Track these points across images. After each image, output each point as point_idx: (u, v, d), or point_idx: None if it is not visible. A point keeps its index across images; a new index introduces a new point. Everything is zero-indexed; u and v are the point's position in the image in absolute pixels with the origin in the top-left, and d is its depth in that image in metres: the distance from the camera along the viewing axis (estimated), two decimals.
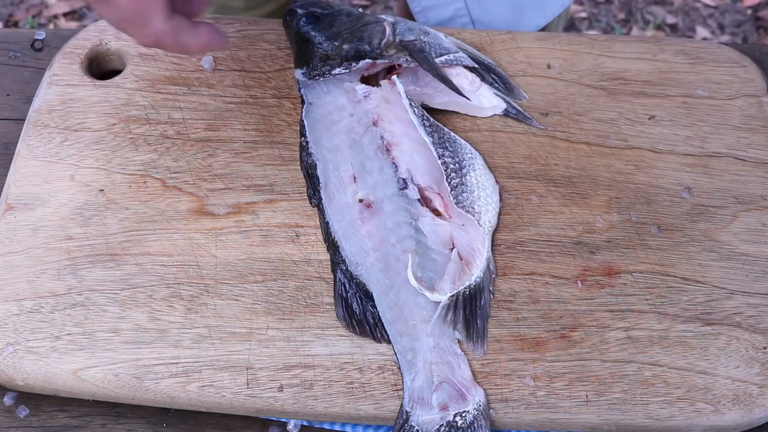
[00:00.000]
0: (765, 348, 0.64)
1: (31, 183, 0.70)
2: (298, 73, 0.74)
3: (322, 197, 0.69)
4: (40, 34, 0.84)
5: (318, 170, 0.70)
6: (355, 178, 0.69)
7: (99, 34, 0.78)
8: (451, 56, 0.74)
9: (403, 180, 0.69)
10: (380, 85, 0.73)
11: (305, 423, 0.64)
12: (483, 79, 0.74)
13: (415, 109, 0.70)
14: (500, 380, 0.63)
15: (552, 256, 0.68)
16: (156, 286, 0.66)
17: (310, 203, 0.69)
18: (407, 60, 0.73)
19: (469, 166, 0.70)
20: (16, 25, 1.87)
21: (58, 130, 0.73)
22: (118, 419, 0.64)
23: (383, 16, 0.75)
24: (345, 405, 0.62)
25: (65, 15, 1.90)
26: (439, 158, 0.69)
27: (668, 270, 0.68)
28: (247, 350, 0.63)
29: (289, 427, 0.64)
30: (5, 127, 0.78)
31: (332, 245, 0.67)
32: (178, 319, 0.65)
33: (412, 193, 0.68)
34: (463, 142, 0.71)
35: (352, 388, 0.62)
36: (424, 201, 0.68)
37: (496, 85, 0.75)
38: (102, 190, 0.70)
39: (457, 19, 0.89)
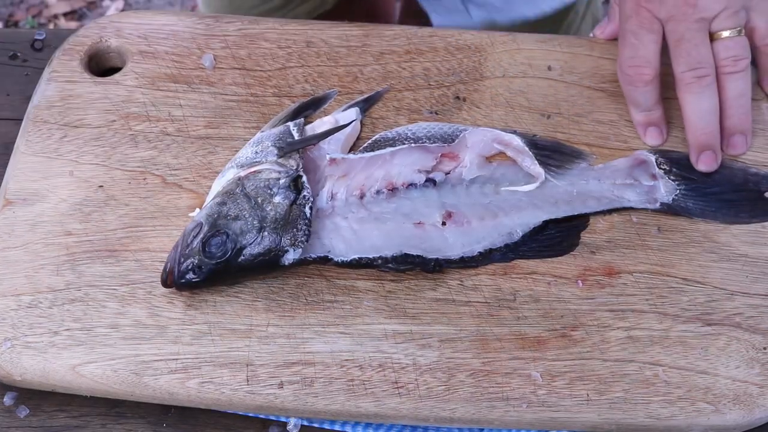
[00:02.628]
0: (765, 348, 0.64)
1: (30, 178, 0.70)
2: (293, 254, 0.65)
3: None
4: (40, 34, 0.84)
5: None
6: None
7: (99, 32, 0.78)
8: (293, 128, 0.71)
9: (428, 180, 0.70)
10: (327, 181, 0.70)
11: (305, 422, 0.64)
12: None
13: (361, 151, 0.71)
14: (501, 379, 0.63)
15: None
16: (156, 282, 0.65)
17: None
18: (301, 157, 0.69)
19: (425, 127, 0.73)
20: (16, 25, 1.87)
21: (58, 126, 0.73)
22: (118, 419, 0.64)
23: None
24: (345, 402, 0.62)
25: (65, 15, 1.90)
26: (412, 142, 0.71)
27: (669, 270, 0.68)
28: (247, 347, 0.63)
29: (289, 427, 0.64)
30: (5, 127, 0.77)
31: None
32: (178, 315, 0.64)
33: (440, 176, 0.70)
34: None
35: (353, 385, 0.62)
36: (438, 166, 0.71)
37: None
38: (101, 186, 0.70)
39: None
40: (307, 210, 0.66)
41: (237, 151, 0.72)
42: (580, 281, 0.67)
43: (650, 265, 0.68)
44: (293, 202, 0.65)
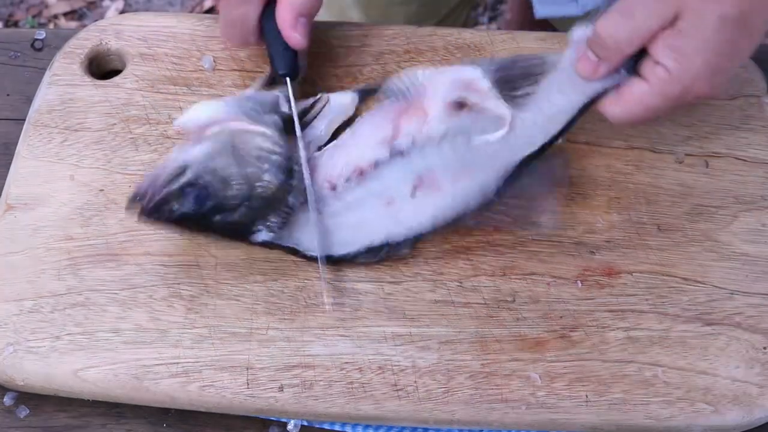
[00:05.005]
0: (765, 348, 0.64)
1: (32, 183, 0.70)
2: (263, 236, 0.65)
3: None
4: (40, 34, 0.84)
5: None
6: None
7: (99, 34, 0.78)
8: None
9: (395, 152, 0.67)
10: None
11: (305, 423, 0.64)
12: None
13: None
14: (500, 380, 0.63)
15: (552, 256, 0.68)
16: (156, 286, 0.66)
17: None
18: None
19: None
20: (16, 25, 1.88)
21: (59, 130, 0.73)
22: (118, 419, 0.64)
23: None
24: (345, 405, 0.62)
25: (65, 15, 1.90)
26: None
27: (668, 270, 0.68)
28: (248, 350, 0.63)
29: (289, 427, 0.64)
30: (5, 127, 0.78)
31: None
32: (179, 319, 0.65)
33: (405, 143, 0.67)
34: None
35: (352, 388, 0.62)
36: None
37: None
38: (102, 190, 0.70)
39: None
40: (291, 198, 0.65)
41: None
42: (579, 281, 0.67)
43: (650, 265, 0.68)
44: (281, 185, 0.65)
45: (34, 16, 1.89)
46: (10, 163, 0.72)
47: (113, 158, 0.72)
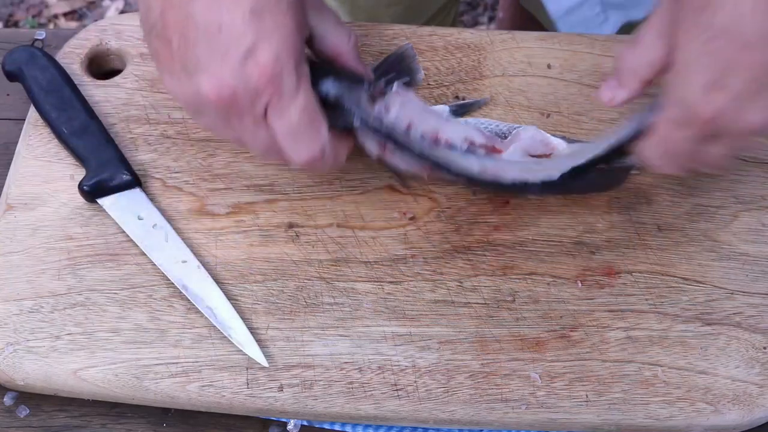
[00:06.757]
0: (765, 348, 0.64)
1: (31, 183, 0.70)
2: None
3: None
4: (40, 34, 0.84)
5: None
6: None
7: (99, 34, 0.78)
8: None
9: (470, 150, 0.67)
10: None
11: (305, 423, 0.64)
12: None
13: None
14: (500, 380, 0.63)
15: (552, 256, 0.68)
16: (156, 286, 0.66)
17: None
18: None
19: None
20: (16, 25, 1.88)
21: None
22: (118, 419, 0.64)
23: None
24: (345, 405, 0.62)
25: (65, 15, 1.91)
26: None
27: (668, 270, 0.68)
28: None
29: (289, 427, 0.64)
30: (5, 127, 0.78)
31: None
32: (178, 318, 0.65)
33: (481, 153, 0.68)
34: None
35: (352, 388, 0.62)
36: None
37: None
38: None
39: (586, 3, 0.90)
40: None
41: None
42: (579, 281, 0.67)
43: (650, 265, 0.68)
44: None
45: (34, 16, 1.89)
46: (10, 163, 0.73)
47: None
